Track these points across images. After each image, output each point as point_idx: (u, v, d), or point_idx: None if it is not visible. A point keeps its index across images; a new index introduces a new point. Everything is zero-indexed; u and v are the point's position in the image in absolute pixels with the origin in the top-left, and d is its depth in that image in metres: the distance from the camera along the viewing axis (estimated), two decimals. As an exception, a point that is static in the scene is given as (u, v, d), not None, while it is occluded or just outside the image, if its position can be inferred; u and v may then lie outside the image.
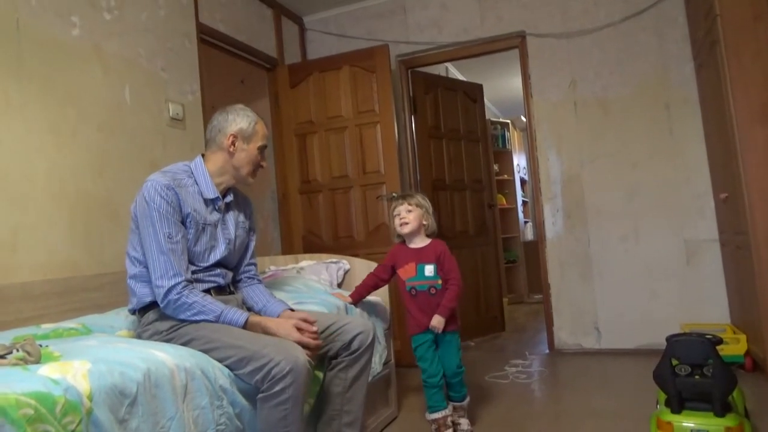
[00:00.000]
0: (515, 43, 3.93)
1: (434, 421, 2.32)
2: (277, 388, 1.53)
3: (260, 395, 1.56)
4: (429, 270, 2.35)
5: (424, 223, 2.40)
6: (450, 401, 2.39)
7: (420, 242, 2.42)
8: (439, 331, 2.32)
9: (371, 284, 2.48)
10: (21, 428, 1.02)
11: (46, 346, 1.43)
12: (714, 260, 3.45)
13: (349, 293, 2.49)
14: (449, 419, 2.33)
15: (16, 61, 2.13)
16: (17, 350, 1.30)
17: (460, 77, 5.69)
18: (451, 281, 2.35)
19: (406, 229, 2.38)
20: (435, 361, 2.33)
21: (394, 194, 2.50)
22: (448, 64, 5.35)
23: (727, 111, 2.75)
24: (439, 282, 2.35)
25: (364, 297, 2.49)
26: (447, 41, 4.06)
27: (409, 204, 2.38)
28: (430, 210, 2.45)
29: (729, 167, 2.88)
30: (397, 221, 2.40)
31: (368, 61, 3.81)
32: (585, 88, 3.75)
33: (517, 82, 4.62)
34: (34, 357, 1.27)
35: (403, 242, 2.46)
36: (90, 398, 1.17)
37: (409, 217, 2.37)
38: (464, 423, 2.39)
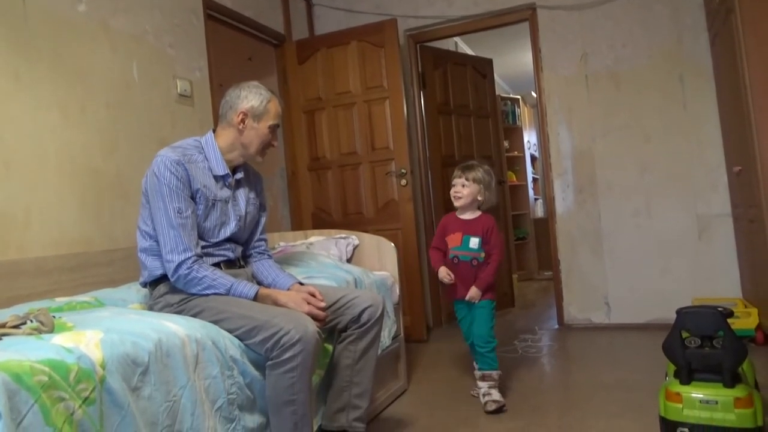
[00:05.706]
0: (525, 15, 3.87)
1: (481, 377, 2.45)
2: (286, 356, 1.55)
3: (269, 362, 1.58)
4: (474, 242, 2.44)
5: (479, 198, 2.48)
6: (479, 369, 2.46)
7: (470, 215, 2.51)
8: (476, 302, 2.44)
9: (440, 255, 2.54)
10: (36, 394, 1.05)
11: (60, 317, 1.46)
12: (726, 235, 3.41)
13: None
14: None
15: (24, 39, 2.13)
16: (31, 321, 1.32)
17: (470, 52, 5.62)
18: (494, 256, 2.45)
19: (457, 203, 2.49)
20: (467, 327, 2.50)
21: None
22: (458, 39, 5.28)
23: (742, 82, 2.70)
24: (482, 255, 2.44)
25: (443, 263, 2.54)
26: (456, 15, 4.00)
27: (467, 179, 2.47)
28: (492, 184, 2.51)
29: (743, 140, 2.83)
30: (451, 192, 2.51)
31: (376, 36, 3.77)
32: (597, 61, 3.69)
33: (527, 57, 4.55)
34: (47, 327, 1.30)
35: (454, 210, 2.56)
36: (103, 366, 1.19)
37: (464, 191, 2.47)
38: (495, 393, 2.38)
